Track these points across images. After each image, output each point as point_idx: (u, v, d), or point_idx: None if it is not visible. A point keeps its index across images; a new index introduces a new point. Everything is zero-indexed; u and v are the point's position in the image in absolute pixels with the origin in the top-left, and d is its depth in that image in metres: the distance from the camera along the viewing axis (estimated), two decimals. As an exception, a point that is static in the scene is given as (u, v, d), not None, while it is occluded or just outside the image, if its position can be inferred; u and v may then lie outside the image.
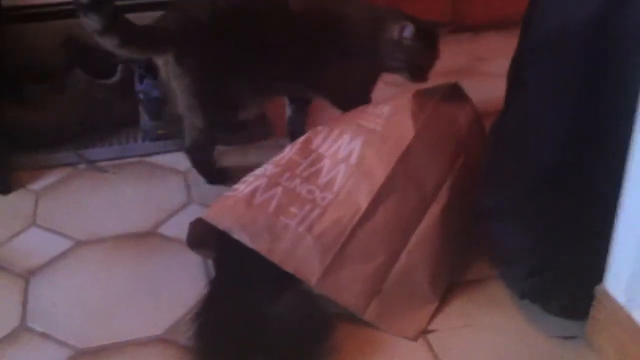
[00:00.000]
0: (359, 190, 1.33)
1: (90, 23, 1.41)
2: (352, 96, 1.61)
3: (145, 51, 1.54)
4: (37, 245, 1.51)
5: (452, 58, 1.82)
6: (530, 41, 1.20)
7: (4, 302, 1.36)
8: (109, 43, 1.44)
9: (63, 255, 1.48)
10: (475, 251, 1.41)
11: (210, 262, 1.42)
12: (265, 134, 1.86)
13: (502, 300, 1.33)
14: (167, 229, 1.55)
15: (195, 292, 1.31)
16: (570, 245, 1.19)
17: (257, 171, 1.40)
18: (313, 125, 1.52)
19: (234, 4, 1.53)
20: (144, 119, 1.83)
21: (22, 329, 1.30)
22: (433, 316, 1.30)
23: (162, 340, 1.27)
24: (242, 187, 1.36)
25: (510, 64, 1.27)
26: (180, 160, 1.76)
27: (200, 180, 1.70)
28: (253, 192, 1.34)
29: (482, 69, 1.48)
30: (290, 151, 1.43)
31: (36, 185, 1.70)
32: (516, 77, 1.24)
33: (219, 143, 1.71)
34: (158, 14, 1.56)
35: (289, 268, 1.25)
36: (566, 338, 1.25)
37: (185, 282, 1.38)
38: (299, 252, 1.26)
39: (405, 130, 1.40)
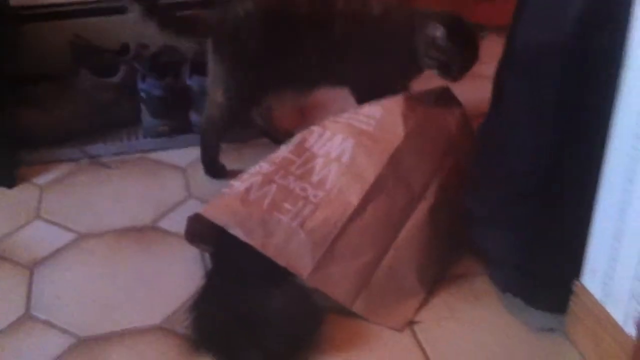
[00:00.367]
0: (350, 188, 1.38)
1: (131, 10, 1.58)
2: (383, 91, 1.62)
3: (181, 35, 1.67)
4: (41, 237, 1.56)
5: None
6: (512, 55, 1.25)
7: (9, 292, 1.41)
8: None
9: (66, 247, 1.53)
10: (461, 247, 1.46)
11: (207, 255, 1.46)
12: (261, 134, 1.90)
13: (486, 294, 1.38)
14: (166, 223, 1.60)
15: (193, 284, 1.36)
16: (550, 244, 1.25)
17: (253, 169, 1.45)
18: (307, 125, 1.56)
19: (273, 3, 1.63)
20: (146, 116, 1.88)
21: (26, 318, 1.35)
22: (419, 308, 1.35)
23: (160, 329, 1.32)
24: (238, 184, 1.42)
25: (494, 73, 1.32)
26: (180, 157, 1.82)
27: (199, 176, 1.75)
28: (248, 189, 1.39)
29: (479, 72, 1.53)
30: (285, 150, 1.48)
31: (41, 180, 1.75)
32: (498, 87, 1.29)
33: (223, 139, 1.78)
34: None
35: (282, 262, 1.30)
36: (546, 330, 1.30)
37: (183, 274, 1.43)
38: (291, 247, 1.32)
39: (396, 131, 1.45)
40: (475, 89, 1.56)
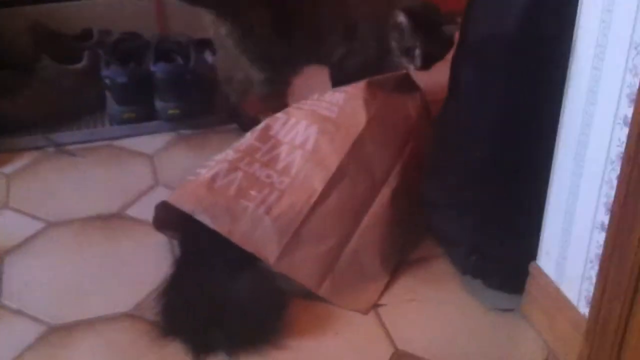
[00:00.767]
0: (315, 175, 1.41)
1: None
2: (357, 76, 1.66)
3: (195, 4, 1.72)
4: (10, 226, 1.57)
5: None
6: (464, 46, 1.28)
7: (-21, 282, 1.42)
8: None
9: (35, 236, 1.54)
10: (422, 231, 1.50)
11: (175, 242, 1.49)
12: (229, 119, 1.93)
13: (446, 276, 1.43)
14: (134, 211, 1.62)
15: (161, 271, 1.39)
16: (506, 228, 1.30)
17: (219, 156, 1.48)
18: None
19: None
20: (111, 103, 1.89)
21: (-3, 307, 1.37)
22: (383, 292, 1.39)
23: (129, 316, 1.34)
24: (204, 172, 1.44)
25: (450, 62, 1.36)
26: (146, 144, 1.84)
27: (166, 163, 1.77)
28: (214, 176, 1.42)
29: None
30: (250, 137, 1.50)
31: (7, 169, 1.76)
32: (453, 77, 1.33)
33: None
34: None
35: (248, 248, 1.33)
36: (504, 310, 1.35)
37: (152, 261, 1.45)
38: (257, 234, 1.35)
39: (358, 118, 1.48)
40: (435, 74, 1.59)
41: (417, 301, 1.38)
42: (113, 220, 1.59)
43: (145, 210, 1.52)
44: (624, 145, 1.01)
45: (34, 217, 1.60)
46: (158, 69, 1.86)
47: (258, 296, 1.31)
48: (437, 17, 1.63)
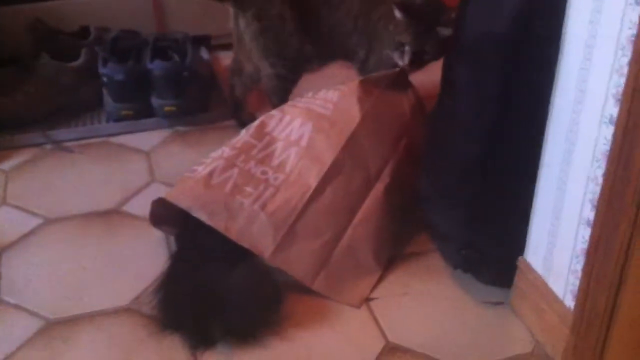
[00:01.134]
0: (309, 171, 1.44)
1: None
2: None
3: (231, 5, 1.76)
4: (8, 222, 1.59)
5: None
6: (458, 45, 1.31)
7: (-22, 277, 1.44)
8: None
9: (33, 232, 1.56)
10: (415, 226, 1.53)
11: (171, 238, 1.51)
12: (225, 116, 1.95)
13: (438, 270, 1.46)
14: (131, 207, 1.64)
15: (158, 266, 1.41)
16: (496, 223, 1.32)
17: (215, 153, 1.50)
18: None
19: None
20: (108, 100, 1.91)
21: (-4, 302, 1.39)
22: (375, 286, 1.42)
23: (127, 310, 1.36)
24: (201, 169, 1.46)
25: (443, 61, 1.38)
26: (143, 141, 1.85)
27: (163, 160, 1.79)
28: (211, 173, 1.44)
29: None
30: (245, 134, 1.53)
31: (5, 165, 1.78)
32: (446, 76, 1.35)
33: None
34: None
35: (244, 244, 1.36)
36: (494, 304, 1.38)
37: (148, 256, 1.47)
38: (253, 229, 1.37)
39: (352, 115, 1.51)
40: (429, 72, 1.61)
41: (408, 295, 1.40)
42: (110, 215, 1.61)
43: (142, 206, 1.54)
44: (609, 143, 1.04)
45: (32, 213, 1.62)
46: (155, 67, 1.87)
47: (253, 290, 1.34)
48: (436, 16, 1.64)
